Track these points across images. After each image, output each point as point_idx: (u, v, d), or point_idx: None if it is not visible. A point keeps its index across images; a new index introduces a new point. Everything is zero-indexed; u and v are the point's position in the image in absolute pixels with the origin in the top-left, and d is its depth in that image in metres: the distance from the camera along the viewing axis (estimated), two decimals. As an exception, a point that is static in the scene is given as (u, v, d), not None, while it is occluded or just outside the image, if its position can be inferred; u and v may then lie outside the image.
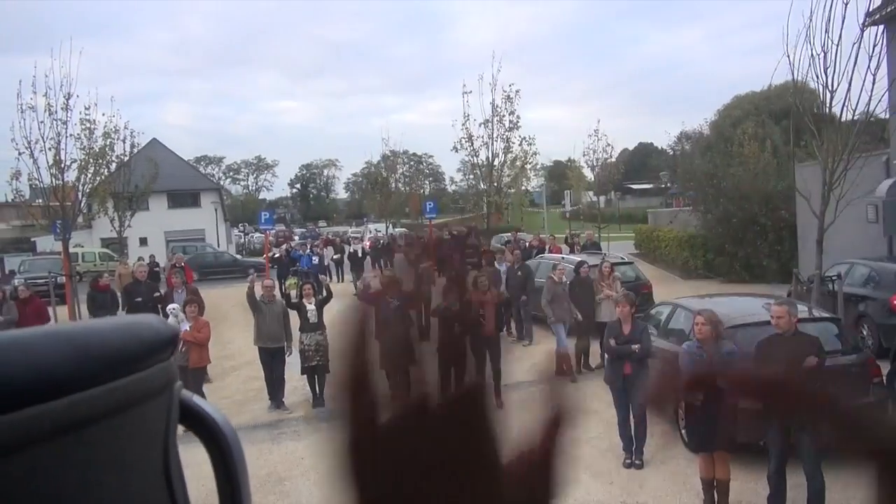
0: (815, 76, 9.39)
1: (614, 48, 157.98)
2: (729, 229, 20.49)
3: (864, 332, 11.00)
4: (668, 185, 53.12)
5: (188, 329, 9.03)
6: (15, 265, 27.33)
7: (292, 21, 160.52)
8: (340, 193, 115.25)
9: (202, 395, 8.97)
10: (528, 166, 27.21)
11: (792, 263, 16.45)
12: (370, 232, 46.37)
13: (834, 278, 10.13)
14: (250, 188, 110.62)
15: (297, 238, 43.45)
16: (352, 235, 33.69)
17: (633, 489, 6.44)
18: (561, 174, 63.00)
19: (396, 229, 51.93)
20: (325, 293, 9.94)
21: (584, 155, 33.86)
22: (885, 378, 7.17)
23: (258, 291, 9.87)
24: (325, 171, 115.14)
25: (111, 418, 0.47)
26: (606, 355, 7.51)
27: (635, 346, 6.85)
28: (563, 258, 14.41)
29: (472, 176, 22.24)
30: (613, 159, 33.41)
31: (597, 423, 8.26)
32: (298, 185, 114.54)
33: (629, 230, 37.87)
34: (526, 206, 77.40)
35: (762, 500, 5.66)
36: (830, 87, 9.49)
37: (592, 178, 33.26)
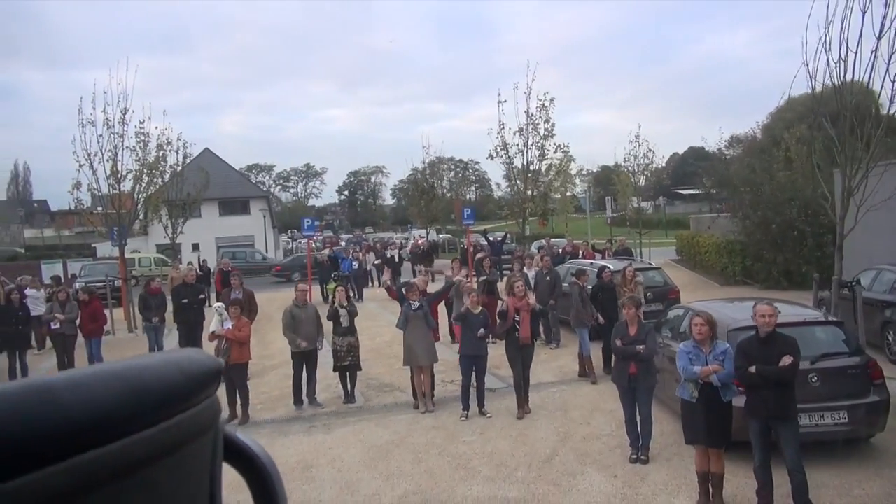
0: (833, 84, 9.53)
1: (664, 50, 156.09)
2: (768, 235, 20.35)
3: (890, 338, 11.00)
4: (712, 190, 52.34)
5: (230, 327, 9.72)
6: (76, 269, 28.86)
7: (343, 31, 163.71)
8: (387, 199, 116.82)
9: (246, 388, 9.66)
10: (561, 174, 27.41)
11: (832, 270, 16.31)
12: (413, 238, 47.08)
13: (853, 283, 10.18)
14: (299, 195, 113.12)
15: (342, 244, 44.50)
16: (391, 242, 34.39)
17: (635, 482, 6.78)
18: (607, 179, 62.62)
19: (440, 235, 52.52)
20: (351, 305, 10.42)
21: (624, 161, 33.88)
22: None
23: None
24: (373, 178, 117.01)
25: (165, 458, 0.47)
26: (613, 356, 7.83)
27: (640, 347, 7.18)
28: (591, 263, 14.70)
29: (512, 183, 22.46)
30: (654, 164, 33.22)
31: (609, 421, 8.61)
32: (346, 192, 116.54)
33: (674, 236, 37.59)
34: (571, 212, 77.10)
35: (740, 499, 5.92)
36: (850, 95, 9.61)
37: (640, 183, 32.96)
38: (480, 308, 9.36)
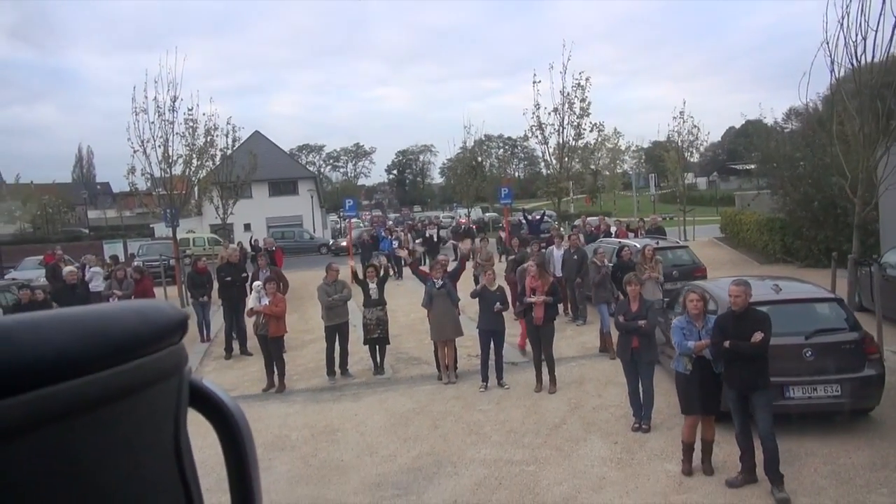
0: (850, 64, 9.56)
1: (726, 21, 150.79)
2: (809, 212, 20.09)
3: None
4: (752, 166, 50.93)
5: (267, 303, 10.46)
6: (135, 249, 30.44)
7: (394, 8, 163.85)
8: (436, 178, 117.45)
9: (282, 359, 10.41)
10: (610, 151, 27.24)
11: (875, 249, 16.12)
12: (458, 216, 47.66)
13: (873, 262, 10.25)
14: (349, 175, 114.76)
15: (390, 222, 45.42)
16: (430, 221, 35.06)
17: (633, 448, 7.22)
18: (658, 156, 61.82)
19: (487, 214, 52.89)
20: (382, 273, 11.08)
21: (668, 137, 33.54)
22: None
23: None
24: (421, 157, 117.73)
25: (123, 399, 0.49)
26: (616, 331, 8.22)
27: (641, 322, 7.57)
28: (619, 242, 14.95)
29: (548, 162, 22.68)
30: (699, 141, 32.81)
31: (620, 393, 8.98)
32: (395, 171, 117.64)
33: (720, 213, 37.04)
34: (619, 189, 75.93)
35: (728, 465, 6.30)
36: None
37: (691, 159, 32.64)
38: (497, 285, 9.84)
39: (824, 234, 19.72)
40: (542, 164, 22.57)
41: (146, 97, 17.52)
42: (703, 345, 6.33)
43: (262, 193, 42.55)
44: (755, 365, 5.90)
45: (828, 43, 9.82)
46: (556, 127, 20.83)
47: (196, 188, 21.22)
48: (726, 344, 5.96)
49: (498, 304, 9.51)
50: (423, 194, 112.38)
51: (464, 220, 32.63)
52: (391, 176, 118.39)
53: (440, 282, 10.17)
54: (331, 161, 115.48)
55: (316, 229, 43.43)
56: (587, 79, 20.35)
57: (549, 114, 20.67)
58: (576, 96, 20.45)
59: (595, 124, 21.14)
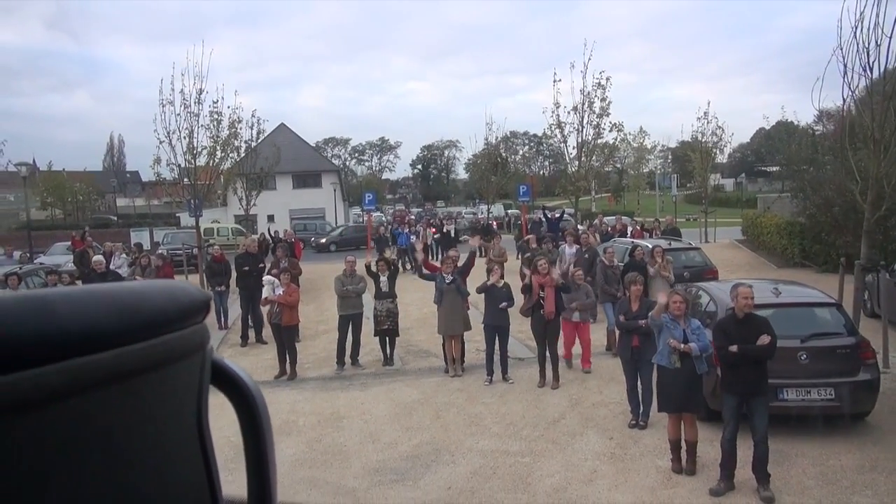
0: (861, 69, 9.57)
1: (761, 20, 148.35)
2: (829, 217, 19.92)
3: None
4: (773, 168, 50.26)
5: (281, 293, 10.77)
6: (160, 237, 31.14)
7: (428, 5, 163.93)
8: (460, 174, 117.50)
9: (294, 348, 10.72)
10: (636, 150, 27.07)
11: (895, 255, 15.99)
12: (481, 213, 47.79)
13: (880, 268, 10.26)
14: (373, 169, 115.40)
15: (412, 217, 45.73)
16: (448, 217, 35.26)
17: (628, 444, 7.39)
18: (684, 156, 61.26)
19: (510, 211, 52.93)
20: (392, 268, 11.32)
21: (692, 138, 33.33)
22: None
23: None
24: (446, 152, 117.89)
25: (152, 372, 0.52)
26: (617, 330, 8.37)
27: (642, 322, 7.72)
28: (632, 242, 15.04)
29: (568, 161, 22.75)
30: (723, 142, 32.57)
31: (621, 391, 9.10)
32: (419, 166, 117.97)
33: (741, 216, 36.72)
34: (644, 189, 75.32)
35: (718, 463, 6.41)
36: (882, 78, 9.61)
37: (717, 160, 32.39)
38: (503, 282, 10.04)
39: (844, 239, 19.54)
40: (567, 161, 22.59)
41: (173, 89, 17.97)
42: (686, 348, 6.48)
43: (286, 185, 43.16)
44: (758, 370, 6.03)
45: (842, 48, 9.82)
46: (576, 126, 20.91)
47: (221, 179, 21.67)
48: (732, 349, 6.06)
49: (504, 302, 9.71)
50: (447, 190, 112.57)
51: (482, 217, 32.73)
52: (416, 171, 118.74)
53: (450, 277, 10.39)
54: (356, 155, 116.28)
55: (338, 222, 43.89)
56: (608, 78, 20.41)
57: (569, 113, 20.76)
58: (596, 95, 20.51)
59: (615, 124, 21.15)
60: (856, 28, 9.36)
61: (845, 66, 9.82)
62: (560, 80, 20.73)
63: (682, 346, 6.50)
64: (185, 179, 19.06)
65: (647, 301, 8.09)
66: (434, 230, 26.72)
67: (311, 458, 7.37)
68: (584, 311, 10.13)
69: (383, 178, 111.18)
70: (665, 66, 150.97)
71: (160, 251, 20.92)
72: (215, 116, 19.13)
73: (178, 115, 18.13)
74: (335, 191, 45.44)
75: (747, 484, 6.17)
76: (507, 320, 9.90)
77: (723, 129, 31.32)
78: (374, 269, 11.25)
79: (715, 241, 28.59)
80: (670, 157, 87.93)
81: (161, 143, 18.31)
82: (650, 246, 13.41)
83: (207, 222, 31.94)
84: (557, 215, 23.01)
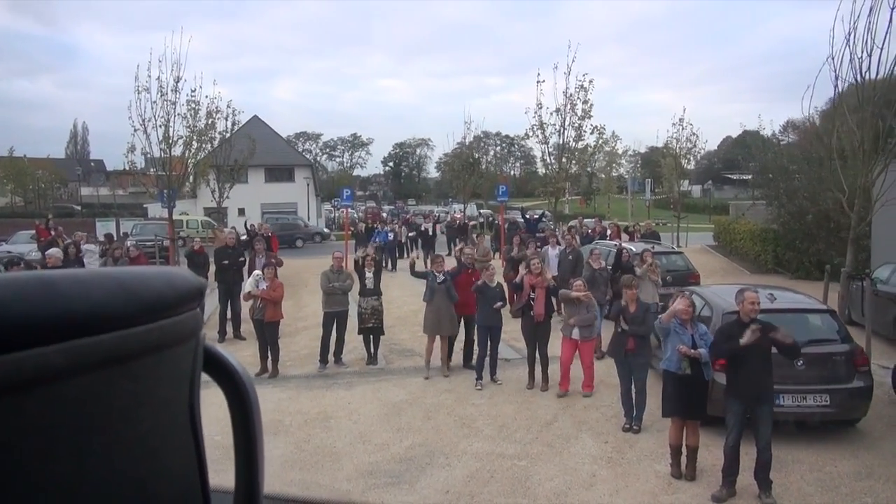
0: (854, 80, 9.68)
1: (736, 30, 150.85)
2: (802, 225, 20.28)
3: (903, 332, 11.16)
4: (749, 176, 51.22)
5: (265, 288, 10.48)
6: (129, 228, 30.32)
7: (406, 2, 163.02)
8: (431, 172, 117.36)
9: (277, 345, 10.42)
10: (607, 154, 27.26)
11: (868, 263, 16.30)
12: (453, 212, 47.67)
13: (864, 277, 10.39)
14: (345, 165, 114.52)
15: (385, 214, 45.45)
16: (425, 215, 35.06)
17: (624, 448, 7.31)
18: (654, 161, 61.87)
19: (482, 211, 52.94)
20: (378, 266, 11.12)
21: (666, 144, 33.66)
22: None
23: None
24: (418, 150, 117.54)
25: (151, 355, 0.53)
26: (615, 334, 8.26)
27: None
28: (616, 244, 15.05)
29: (547, 162, 22.78)
30: (697, 149, 32.94)
31: (612, 393, 9.10)
32: (391, 164, 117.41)
33: (713, 222, 37.24)
34: (614, 193, 76.17)
35: (718, 468, 6.37)
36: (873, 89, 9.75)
37: (687, 167, 32.75)
38: (496, 281, 9.91)
39: (817, 247, 19.92)
40: (540, 163, 22.62)
41: (150, 76, 17.48)
42: (695, 353, 6.42)
43: (258, 179, 42.41)
44: (765, 375, 5.99)
45: (833, 58, 9.93)
46: (557, 127, 20.91)
47: (191, 170, 21.10)
48: (780, 335, 5.95)
49: (499, 302, 9.59)
50: (418, 188, 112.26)
51: (458, 216, 32.56)
52: (387, 168, 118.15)
53: (441, 276, 10.22)
54: (327, 150, 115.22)
55: (311, 218, 43.35)
56: (590, 81, 20.45)
57: (552, 114, 20.75)
58: (578, 98, 20.54)
59: (596, 127, 21.22)
60: (849, 37, 9.46)
61: (837, 75, 9.93)
62: (544, 81, 20.69)
63: (693, 351, 6.44)
64: (154, 169, 18.53)
65: (643, 304, 8.04)
66: (410, 230, 26.57)
67: (300, 460, 7.15)
68: (584, 327, 9.18)
69: (354, 174, 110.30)
70: (638, 71, 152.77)
71: (129, 243, 20.37)
72: (192, 105, 18.65)
73: (155, 102, 17.66)
74: (308, 186, 44.85)
75: (748, 490, 6.14)
76: (499, 320, 9.78)
77: (697, 136, 31.68)
78: (361, 264, 11.03)
79: (686, 246, 28.89)
80: (639, 161, 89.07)
81: (136, 131, 17.80)
82: (634, 249, 13.43)
83: (177, 214, 31.14)
84: (536, 216, 23.01)
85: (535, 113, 21.06)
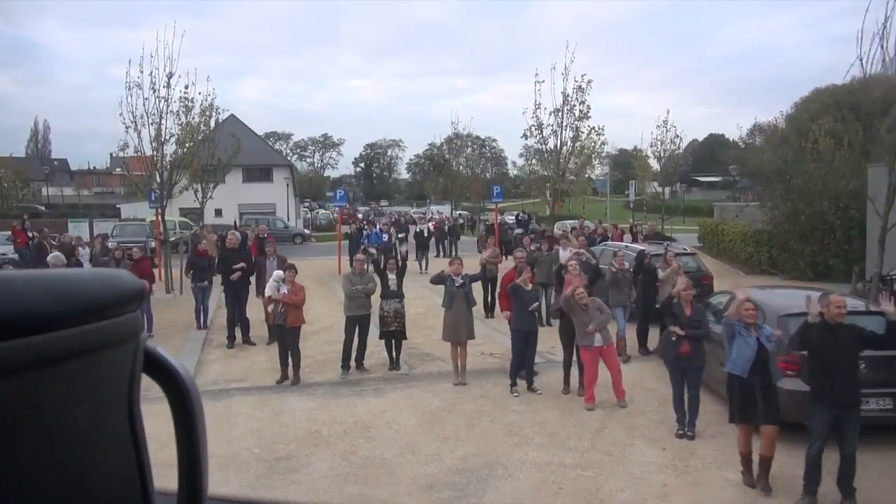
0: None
1: (698, 35, 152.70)
2: (796, 226, 20.48)
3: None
4: (737, 178, 52.05)
5: (286, 292, 10.04)
6: (106, 229, 29.31)
7: (373, 2, 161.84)
8: (402, 174, 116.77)
9: (298, 351, 9.98)
10: (594, 155, 27.33)
11: (862, 264, 16.48)
12: (433, 213, 47.36)
13: (893, 277, 10.41)
14: (316, 165, 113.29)
15: (360, 215, 44.85)
16: (419, 217, 34.64)
17: (685, 455, 7.11)
18: (626, 163, 62.29)
19: (459, 212, 52.77)
20: (401, 265, 10.80)
21: (651, 146, 33.88)
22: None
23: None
24: (389, 151, 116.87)
25: (85, 357, 0.52)
26: (667, 335, 8.04)
27: (697, 331, 7.47)
28: (626, 246, 14.94)
29: (534, 162, 22.67)
30: (681, 151, 33.24)
31: (653, 398, 8.94)
32: (362, 164, 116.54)
33: (694, 223, 37.59)
34: (588, 195, 76.86)
35: (795, 474, 6.18)
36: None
37: (658, 169, 33.01)
38: (531, 284, 9.63)
39: (811, 248, 20.13)
40: (514, 164, 22.61)
41: (141, 71, 16.80)
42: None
43: (235, 179, 41.36)
44: (854, 380, 5.83)
45: (861, 59, 9.92)
46: (554, 128, 20.78)
47: (181, 169, 20.34)
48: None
49: (535, 303, 9.33)
50: (389, 189, 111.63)
51: (442, 217, 32.28)
52: (358, 169, 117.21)
53: (459, 280, 9.89)
54: (298, 150, 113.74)
55: (290, 218, 42.60)
56: (589, 81, 20.36)
57: (550, 114, 20.60)
58: (576, 98, 20.43)
59: (594, 128, 21.14)
60: (882, 35, 9.45)
61: (866, 73, 9.92)
62: (543, 81, 20.53)
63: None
64: (152, 169, 17.84)
65: (699, 307, 7.85)
66: (400, 231, 26.17)
67: (352, 473, 6.77)
68: (604, 331, 8.76)
69: (325, 175, 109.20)
70: (605, 74, 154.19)
71: (110, 244, 19.63)
72: (185, 102, 18.00)
73: (147, 99, 16.99)
74: (288, 186, 44.05)
75: (829, 498, 5.97)
76: (536, 326, 9.50)
77: (681, 138, 31.96)
78: (384, 265, 10.68)
79: (686, 248, 29.04)
80: (611, 164, 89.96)
81: (127, 128, 17.11)
82: (648, 251, 13.29)
83: (151, 214, 30.16)
84: (527, 217, 22.90)
85: (534, 113, 20.89)
